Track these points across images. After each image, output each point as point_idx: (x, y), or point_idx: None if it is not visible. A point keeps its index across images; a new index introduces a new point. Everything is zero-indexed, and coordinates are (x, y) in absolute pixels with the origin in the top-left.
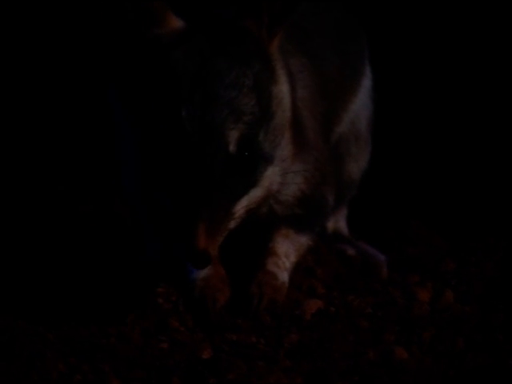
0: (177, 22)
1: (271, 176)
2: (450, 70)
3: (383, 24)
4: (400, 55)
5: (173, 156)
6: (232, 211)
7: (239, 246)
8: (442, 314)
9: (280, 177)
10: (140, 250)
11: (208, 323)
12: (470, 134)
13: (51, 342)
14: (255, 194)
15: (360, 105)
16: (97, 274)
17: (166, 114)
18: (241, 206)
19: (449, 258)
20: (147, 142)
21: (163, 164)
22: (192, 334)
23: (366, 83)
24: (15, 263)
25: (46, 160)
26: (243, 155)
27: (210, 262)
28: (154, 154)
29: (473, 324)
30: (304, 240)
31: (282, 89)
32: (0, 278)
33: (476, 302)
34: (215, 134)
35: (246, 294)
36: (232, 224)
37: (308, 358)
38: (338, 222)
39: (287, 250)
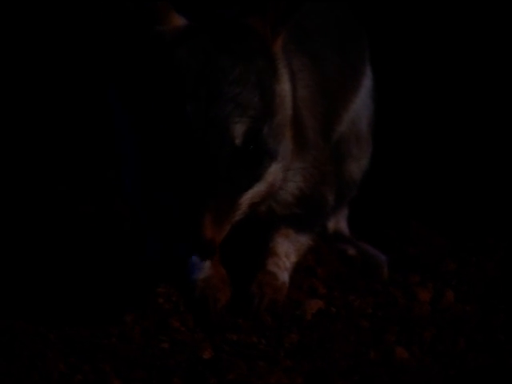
0: (179, 21)
1: (275, 172)
2: (450, 69)
3: (383, 24)
4: (400, 55)
5: (177, 151)
6: (237, 203)
7: (239, 246)
8: (442, 314)
9: (282, 174)
10: (140, 249)
11: (209, 323)
12: (470, 134)
13: (52, 342)
14: (259, 188)
15: (361, 104)
16: (97, 274)
17: (169, 110)
18: (246, 199)
19: (449, 258)
20: (149, 138)
21: (167, 160)
22: (193, 334)
23: (367, 83)
24: (15, 263)
25: (47, 160)
26: (248, 149)
27: (215, 253)
28: (157, 150)
29: (473, 324)
30: (304, 240)
31: (284, 87)
32: (0, 278)
33: (477, 302)
34: (221, 128)
35: (247, 294)
36: (237, 216)
37: (308, 358)
38: (339, 222)
39: (287, 250)
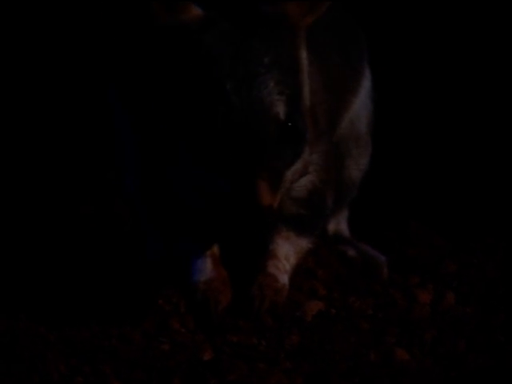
0: (197, 10)
1: (305, 154)
2: (450, 70)
3: (383, 24)
4: (400, 55)
5: (219, 130)
6: (285, 175)
7: (239, 247)
8: (442, 315)
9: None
10: (141, 250)
11: (210, 325)
12: (470, 134)
13: (52, 343)
14: (298, 166)
15: (360, 105)
16: (98, 275)
17: (206, 91)
18: (289, 174)
19: (449, 260)
20: (178, 121)
21: (208, 139)
22: (193, 336)
23: (366, 83)
24: (16, 264)
25: (46, 161)
26: (290, 125)
27: (274, 219)
28: (193, 132)
29: (474, 325)
30: (304, 243)
31: (305, 77)
32: (1, 279)
33: (477, 304)
34: (265, 104)
35: (247, 296)
36: (283, 189)
37: (309, 360)
38: (339, 224)
39: (287, 253)
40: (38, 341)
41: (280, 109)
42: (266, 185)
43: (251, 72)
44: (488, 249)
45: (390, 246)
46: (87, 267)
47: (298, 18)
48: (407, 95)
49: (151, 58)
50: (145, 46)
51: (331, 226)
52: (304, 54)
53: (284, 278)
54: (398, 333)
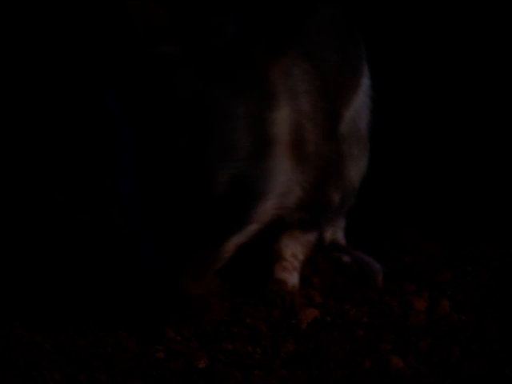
0: (177, 44)
1: (265, 210)
2: (449, 75)
3: (381, 23)
4: (397, 54)
5: (163, 187)
6: (220, 251)
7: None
8: (438, 323)
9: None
10: (136, 258)
11: (205, 333)
12: (466, 140)
13: (47, 352)
14: (250, 228)
15: (360, 103)
16: (93, 283)
17: (162, 142)
18: (232, 244)
19: (445, 267)
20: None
21: (155, 195)
22: (188, 343)
23: (365, 81)
24: (11, 272)
25: (43, 169)
26: (234, 194)
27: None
28: (149, 181)
29: (469, 333)
30: (311, 237)
31: (282, 115)
32: None
33: (472, 312)
34: (206, 172)
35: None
36: (223, 261)
37: (304, 367)
38: (336, 233)
39: (294, 251)
40: (33, 349)
41: (223, 178)
42: (192, 274)
43: (202, 129)
44: (484, 257)
45: (386, 253)
46: (82, 275)
47: (263, 57)
48: (403, 102)
49: (139, 81)
50: (134, 69)
51: (328, 235)
52: (280, 91)
53: (293, 277)
54: (394, 340)
